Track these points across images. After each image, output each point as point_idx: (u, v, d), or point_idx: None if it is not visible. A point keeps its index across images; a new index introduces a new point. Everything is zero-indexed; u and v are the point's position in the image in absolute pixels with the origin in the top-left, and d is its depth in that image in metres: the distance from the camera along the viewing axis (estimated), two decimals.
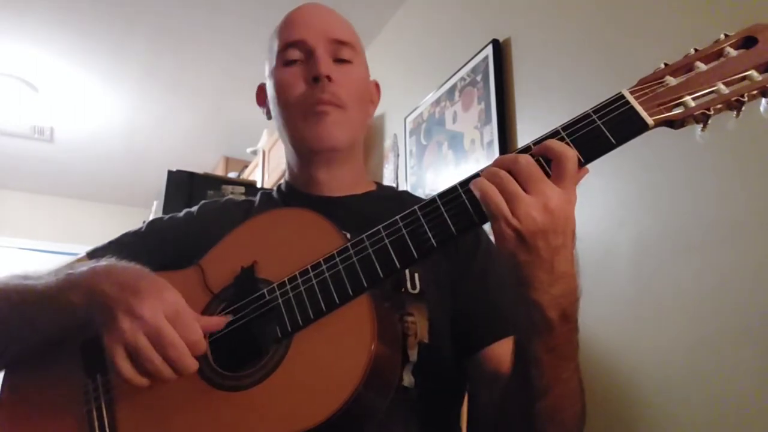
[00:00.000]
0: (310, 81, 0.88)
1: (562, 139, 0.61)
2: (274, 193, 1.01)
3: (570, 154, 0.59)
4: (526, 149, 0.63)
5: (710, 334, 1.22)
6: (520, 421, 0.68)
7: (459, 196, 0.65)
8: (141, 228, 0.96)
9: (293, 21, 0.93)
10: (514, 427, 0.70)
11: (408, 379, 0.78)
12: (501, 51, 2.03)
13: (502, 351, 0.78)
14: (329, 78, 0.87)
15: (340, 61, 0.91)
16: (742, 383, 1.15)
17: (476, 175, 0.63)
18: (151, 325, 0.65)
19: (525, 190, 0.57)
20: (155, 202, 3.65)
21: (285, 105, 0.90)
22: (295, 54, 0.90)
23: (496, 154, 1.91)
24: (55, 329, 0.75)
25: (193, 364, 0.67)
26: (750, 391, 1.13)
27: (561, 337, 0.61)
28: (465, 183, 0.65)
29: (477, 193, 0.60)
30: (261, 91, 1.01)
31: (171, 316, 0.66)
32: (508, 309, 0.83)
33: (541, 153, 0.61)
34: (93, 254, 0.90)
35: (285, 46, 0.91)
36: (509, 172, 0.59)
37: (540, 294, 0.59)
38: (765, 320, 1.13)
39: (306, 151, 0.92)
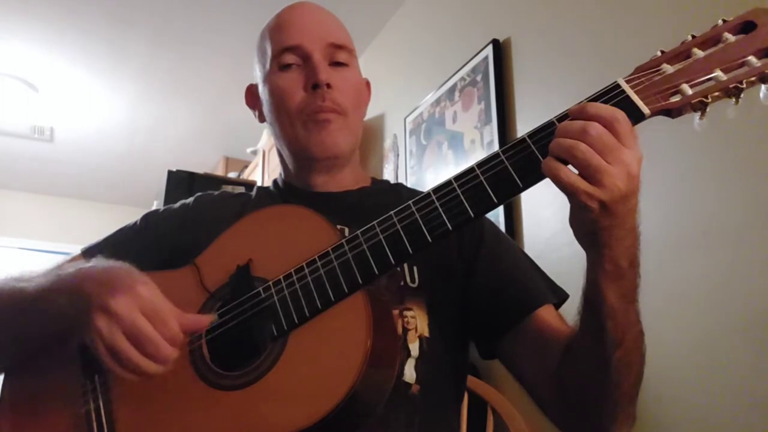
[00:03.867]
0: (309, 88, 0.87)
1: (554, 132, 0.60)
2: (271, 188, 1.00)
3: (619, 115, 0.58)
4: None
5: (711, 332, 1.22)
6: (597, 377, 0.68)
7: (454, 191, 0.64)
8: (136, 223, 0.96)
9: (287, 23, 0.91)
10: (590, 386, 0.70)
11: (410, 374, 0.78)
12: (501, 51, 2.03)
13: (543, 318, 0.80)
14: (329, 85, 0.86)
15: (336, 64, 0.90)
16: (743, 381, 1.15)
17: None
18: (126, 321, 0.64)
19: (605, 161, 0.57)
20: (155, 202, 3.65)
21: (283, 112, 0.88)
22: (290, 58, 0.88)
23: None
24: (47, 333, 0.75)
25: (172, 353, 0.66)
26: (750, 388, 1.13)
27: (630, 283, 0.64)
28: (459, 177, 0.65)
29: (552, 174, 0.58)
30: (250, 92, 1.00)
31: (147, 311, 0.65)
32: (535, 280, 0.86)
33: (585, 118, 0.59)
34: (87, 251, 0.90)
35: (280, 51, 0.89)
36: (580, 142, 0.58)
37: (614, 249, 0.61)
38: (766, 318, 1.13)
39: (306, 159, 0.91)
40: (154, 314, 0.66)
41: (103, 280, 0.68)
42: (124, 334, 0.64)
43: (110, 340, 0.64)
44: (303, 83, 0.87)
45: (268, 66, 0.91)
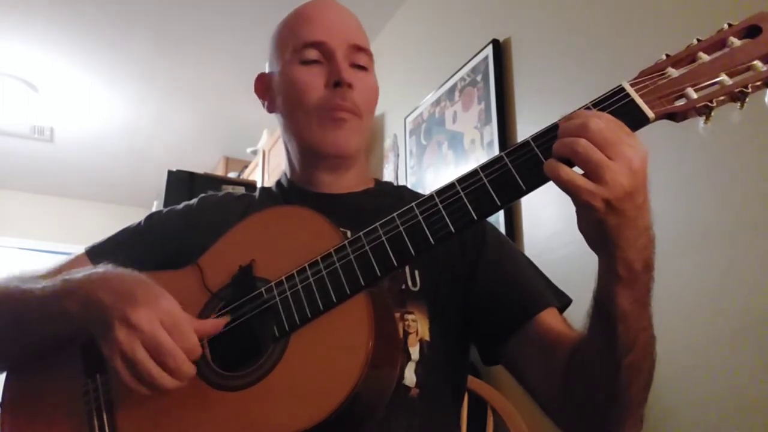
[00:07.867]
0: (329, 85, 0.87)
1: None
2: (274, 188, 1.00)
3: (596, 118, 0.57)
4: (553, 128, 0.61)
5: (710, 333, 1.22)
6: (607, 381, 0.66)
7: (457, 193, 0.64)
8: (140, 223, 0.96)
9: (313, 19, 0.91)
10: (599, 389, 0.68)
11: (410, 377, 0.78)
12: (501, 51, 2.03)
13: (546, 322, 0.79)
14: (350, 85, 0.87)
15: (357, 67, 0.90)
16: (742, 382, 1.15)
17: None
18: (147, 335, 0.64)
19: (607, 156, 0.56)
20: (155, 202, 3.66)
21: (299, 105, 0.88)
22: (313, 54, 0.88)
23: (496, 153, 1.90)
24: (51, 335, 0.75)
25: (191, 370, 0.67)
26: (750, 389, 1.13)
27: (644, 287, 0.62)
28: (462, 180, 0.65)
29: (553, 174, 0.58)
30: (261, 80, 0.99)
31: (167, 325, 0.65)
32: (538, 284, 0.85)
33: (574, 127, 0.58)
34: (91, 251, 0.90)
35: (304, 45, 0.89)
36: (580, 138, 0.57)
37: (627, 251, 0.59)
38: (765, 319, 1.13)
39: (313, 154, 0.91)
40: (174, 327, 0.66)
41: (120, 290, 0.68)
42: (144, 347, 0.64)
43: (130, 352, 0.64)
44: (324, 80, 0.87)
45: (288, 57, 0.90)
